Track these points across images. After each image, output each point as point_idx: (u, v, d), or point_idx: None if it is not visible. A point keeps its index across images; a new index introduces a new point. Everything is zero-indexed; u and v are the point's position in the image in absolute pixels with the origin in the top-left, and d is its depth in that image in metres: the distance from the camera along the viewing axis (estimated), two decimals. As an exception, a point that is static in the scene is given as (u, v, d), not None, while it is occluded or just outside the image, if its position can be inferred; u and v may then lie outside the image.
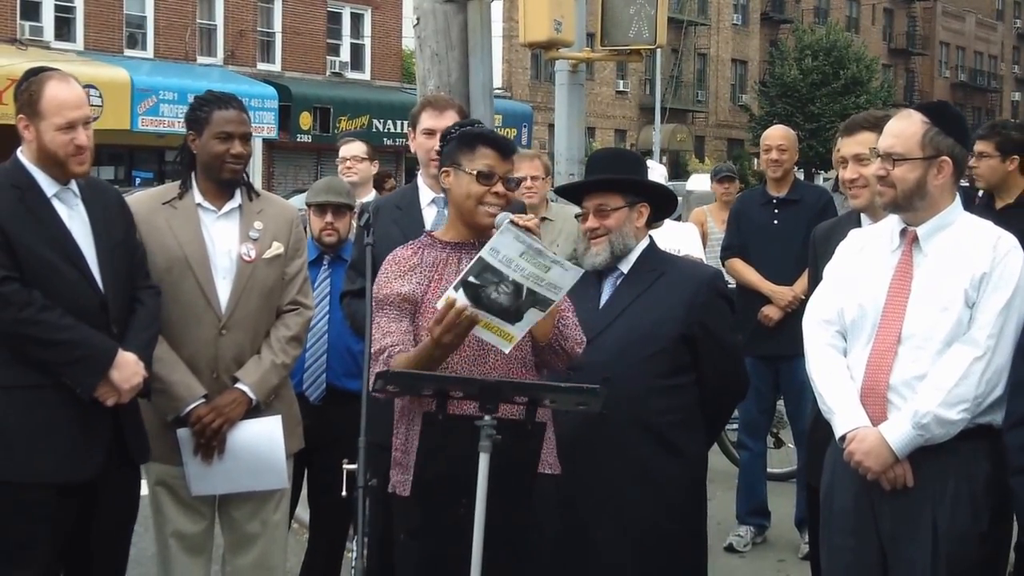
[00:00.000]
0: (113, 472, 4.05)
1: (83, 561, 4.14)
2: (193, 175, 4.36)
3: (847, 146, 4.60)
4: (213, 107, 4.28)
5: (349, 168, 7.17)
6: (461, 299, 3.33)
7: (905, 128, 3.69)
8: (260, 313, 4.34)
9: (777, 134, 7.06)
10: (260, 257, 4.33)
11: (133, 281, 4.12)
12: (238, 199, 4.37)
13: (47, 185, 3.98)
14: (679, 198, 13.00)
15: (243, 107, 4.38)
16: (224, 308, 4.28)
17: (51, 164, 3.96)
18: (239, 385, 4.27)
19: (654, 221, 4.35)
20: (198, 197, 4.33)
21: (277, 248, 4.37)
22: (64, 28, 28.18)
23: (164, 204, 4.32)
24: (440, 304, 3.38)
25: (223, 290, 4.28)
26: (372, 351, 3.59)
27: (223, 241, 4.32)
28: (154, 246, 4.25)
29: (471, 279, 3.32)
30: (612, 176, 4.23)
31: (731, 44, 52.91)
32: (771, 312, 6.68)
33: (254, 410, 4.32)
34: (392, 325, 3.61)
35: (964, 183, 11.77)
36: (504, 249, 3.31)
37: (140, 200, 4.39)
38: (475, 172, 3.65)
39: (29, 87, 3.98)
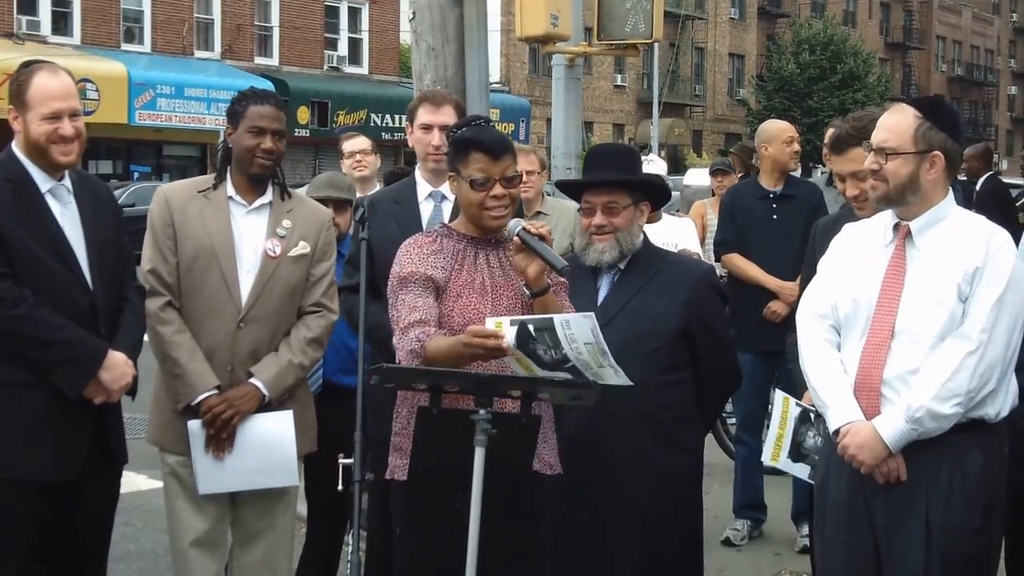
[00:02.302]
0: (95, 470, 4.06)
1: (70, 558, 4.14)
2: (229, 169, 4.38)
3: (839, 164, 4.63)
4: (250, 102, 4.30)
5: (360, 162, 7.14)
6: (509, 335, 3.36)
7: (898, 123, 3.69)
8: (280, 310, 4.34)
9: (791, 126, 7.07)
10: (285, 254, 4.32)
11: (121, 280, 4.13)
12: (269, 196, 4.38)
13: (41, 180, 3.98)
14: (676, 192, 12.97)
15: (279, 104, 4.39)
16: (245, 301, 4.27)
17: (38, 155, 3.96)
18: (253, 380, 4.27)
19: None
20: (230, 190, 4.35)
21: (303, 248, 4.37)
22: (61, 22, 28.19)
23: (199, 193, 4.34)
24: (489, 324, 3.40)
25: (245, 284, 4.28)
26: (401, 326, 3.59)
27: (250, 235, 4.32)
28: (184, 234, 4.27)
29: (529, 327, 3.37)
30: (627, 177, 4.22)
31: (728, 38, 52.89)
32: (779, 308, 6.64)
33: (265, 407, 4.31)
34: (419, 300, 3.61)
35: (963, 178, 11.78)
36: (577, 330, 3.35)
37: (176, 189, 4.42)
38: (469, 180, 3.65)
39: (18, 78, 4.00)
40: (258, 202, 4.36)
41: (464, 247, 3.72)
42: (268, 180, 4.37)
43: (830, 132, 6.03)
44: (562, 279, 3.80)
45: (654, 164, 8.25)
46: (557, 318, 3.37)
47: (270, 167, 4.33)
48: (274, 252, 4.31)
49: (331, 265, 4.51)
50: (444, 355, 3.47)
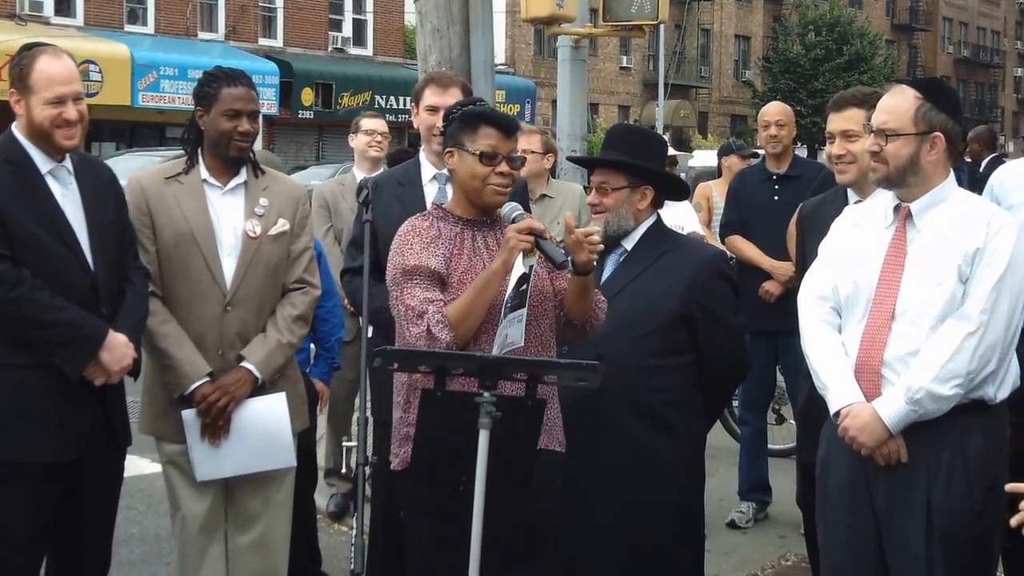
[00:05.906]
0: (99, 452, 4.06)
1: (73, 540, 4.15)
2: (199, 151, 4.34)
3: (835, 122, 4.59)
4: (222, 84, 4.25)
5: (378, 143, 7.10)
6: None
7: (898, 104, 3.68)
8: (265, 290, 4.32)
9: (774, 110, 7.04)
10: (265, 234, 4.31)
11: (123, 261, 4.11)
12: (243, 176, 4.35)
13: (41, 162, 3.96)
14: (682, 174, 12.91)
15: (252, 84, 4.35)
16: (229, 284, 4.25)
17: (41, 139, 3.95)
18: (244, 364, 4.25)
19: (664, 201, 4.34)
20: (204, 173, 4.32)
21: (283, 225, 4.35)
22: (64, 3, 28.14)
23: (169, 179, 4.30)
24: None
25: (228, 266, 4.26)
26: (416, 311, 3.54)
27: (228, 217, 4.30)
28: (163, 220, 4.24)
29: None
30: (615, 159, 4.22)
31: (734, 19, 52.76)
32: (772, 287, 6.69)
33: (259, 389, 4.30)
34: (428, 293, 3.56)
35: (968, 160, 11.82)
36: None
37: (148, 175, 4.38)
38: (478, 153, 3.63)
39: (20, 62, 3.97)
40: (233, 183, 4.33)
41: (461, 230, 3.70)
42: (244, 161, 4.35)
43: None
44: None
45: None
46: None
47: (247, 149, 4.31)
48: (254, 232, 4.29)
49: (310, 240, 4.50)
50: (475, 298, 3.50)
